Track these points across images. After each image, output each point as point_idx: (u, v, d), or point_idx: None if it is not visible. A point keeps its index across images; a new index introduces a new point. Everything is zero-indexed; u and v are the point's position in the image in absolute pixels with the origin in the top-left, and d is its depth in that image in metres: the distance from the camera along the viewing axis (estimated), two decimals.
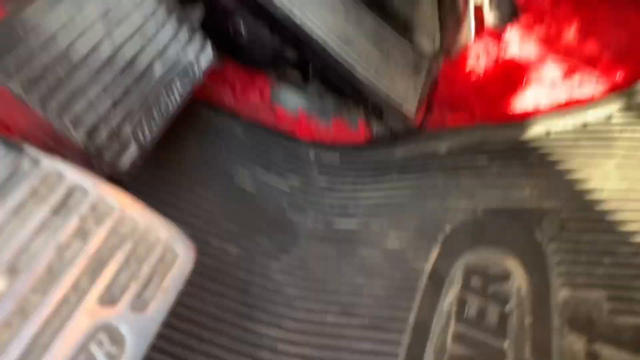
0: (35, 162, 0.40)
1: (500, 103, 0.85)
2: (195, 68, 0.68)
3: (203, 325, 0.67)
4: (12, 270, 0.35)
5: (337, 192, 0.84)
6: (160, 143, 0.82)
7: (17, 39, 0.52)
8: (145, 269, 0.38)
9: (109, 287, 0.37)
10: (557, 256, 0.68)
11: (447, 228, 0.75)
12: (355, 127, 0.89)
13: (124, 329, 0.36)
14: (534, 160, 0.77)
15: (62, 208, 0.39)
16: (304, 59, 0.87)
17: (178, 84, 0.65)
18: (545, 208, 0.73)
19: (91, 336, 0.35)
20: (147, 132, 0.60)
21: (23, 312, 0.34)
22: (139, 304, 0.37)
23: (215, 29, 0.77)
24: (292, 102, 0.93)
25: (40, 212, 0.38)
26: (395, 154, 0.85)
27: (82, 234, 0.38)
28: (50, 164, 0.40)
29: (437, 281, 0.70)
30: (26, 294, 0.34)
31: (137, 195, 0.77)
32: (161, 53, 0.64)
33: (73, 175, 0.41)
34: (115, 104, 0.58)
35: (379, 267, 0.74)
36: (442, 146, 0.83)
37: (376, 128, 0.88)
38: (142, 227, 0.40)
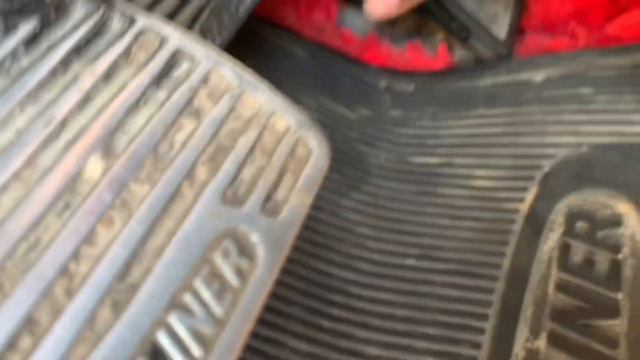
0: (130, 21, 0.31)
1: (608, 27, 0.73)
2: None
3: None
4: (108, 151, 0.27)
5: (413, 124, 0.75)
6: None
7: None
8: (275, 163, 0.30)
9: (233, 182, 0.29)
10: None
11: (547, 166, 0.65)
12: (433, 51, 0.79)
13: (255, 237, 0.28)
14: None
15: (166, 78, 0.31)
16: None
17: None
18: None
19: (215, 243, 0.27)
20: (216, 35, 0.52)
21: (125, 206, 0.26)
22: (271, 207, 0.29)
23: None
24: (360, 24, 0.83)
25: (139, 82, 0.30)
26: (482, 82, 0.75)
27: (193, 112, 0.30)
28: (150, 23, 0.32)
29: (535, 224, 0.61)
30: (128, 183, 0.27)
31: None
32: None
33: (179, 38, 0.32)
34: (182, 1, 0.49)
35: (465, 208, 0.65)
36: (538, 74, 0.72)
37: (459, 53, 0.77)
38: (268, 110, 0.32)
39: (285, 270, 0.60)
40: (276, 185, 0.30)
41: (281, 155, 0.30)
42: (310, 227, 0.65)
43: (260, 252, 0.27)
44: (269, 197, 0.29)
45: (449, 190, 0.68)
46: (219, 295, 0.26)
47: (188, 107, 0.30)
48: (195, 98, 0.30)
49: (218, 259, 0.26)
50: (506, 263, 0.59)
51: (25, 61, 0.29)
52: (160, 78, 0.30)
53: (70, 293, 0.24)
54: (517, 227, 0.62)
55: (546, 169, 0.65)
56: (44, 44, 0.30)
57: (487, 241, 0.62)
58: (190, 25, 0.50)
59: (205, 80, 0.31)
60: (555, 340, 0.52)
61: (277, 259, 0.27)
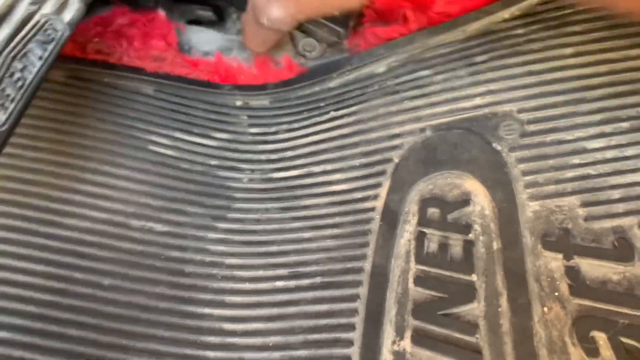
0: None
1: (434, 6, 0.73)
2: (58, 23, 0.55)
3: (134, 320, 0.58)
4: None
5: (272, 139, 0.74)
6: (52, 124, 0.71)
7: None
8: None
9: None
10: (520, 165, 0.59)
11: (396, 157, 0.65)
12: (279, 63, 0.77)
13: None
14: (481, 62, 0.67)
15: None
16: None
17: (35, 46, 0.53)
18: (501, 113, 0.63)
19: None
20: (0, 111, 0.49)
21: None
22: None
23: None
24: (205, 44, 0.81)
25: None
26: (331, 84, 0.74)
27: None
28: None
29: (391, 219, 0.61)
30: None
31: (36, 187, 0.66)
32: (4, 11, 0.52)
33: None
34: None
35: (326, 216, 0.64)
36: (380, 65, 0.72)
37: (302, 42, 0.76)
38: None
39: (149, 322, 0.59)
40: None
41: None
42: (176, 270, 0.63)
43: None
44: None
45: (310, 200, 0.67)
46: None
47: None
48: None
49: None
50: (367, 265, 0.59)
51: None
52: None
53: None
54: (375, 226, 0.61)
55: (395, 160, 0.65)
56: None
57: (349, 246, 0.61)
58: None
59: None
60: (418, 338, 0.52)
61: None
